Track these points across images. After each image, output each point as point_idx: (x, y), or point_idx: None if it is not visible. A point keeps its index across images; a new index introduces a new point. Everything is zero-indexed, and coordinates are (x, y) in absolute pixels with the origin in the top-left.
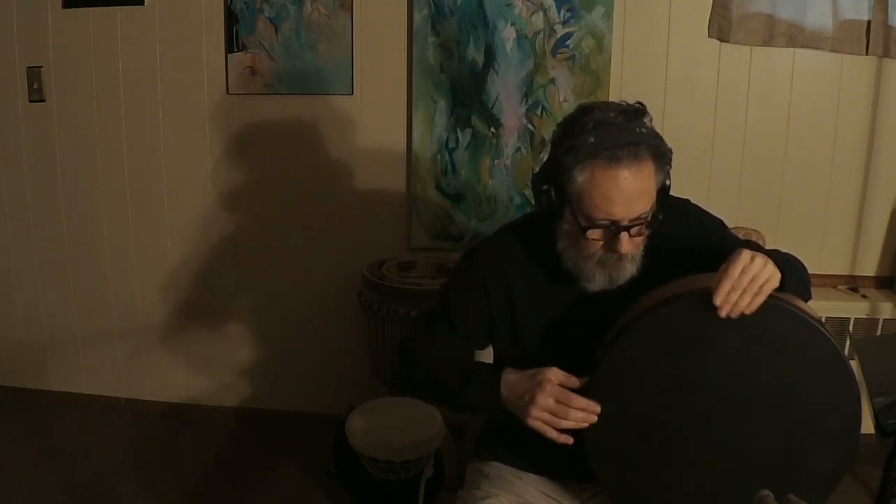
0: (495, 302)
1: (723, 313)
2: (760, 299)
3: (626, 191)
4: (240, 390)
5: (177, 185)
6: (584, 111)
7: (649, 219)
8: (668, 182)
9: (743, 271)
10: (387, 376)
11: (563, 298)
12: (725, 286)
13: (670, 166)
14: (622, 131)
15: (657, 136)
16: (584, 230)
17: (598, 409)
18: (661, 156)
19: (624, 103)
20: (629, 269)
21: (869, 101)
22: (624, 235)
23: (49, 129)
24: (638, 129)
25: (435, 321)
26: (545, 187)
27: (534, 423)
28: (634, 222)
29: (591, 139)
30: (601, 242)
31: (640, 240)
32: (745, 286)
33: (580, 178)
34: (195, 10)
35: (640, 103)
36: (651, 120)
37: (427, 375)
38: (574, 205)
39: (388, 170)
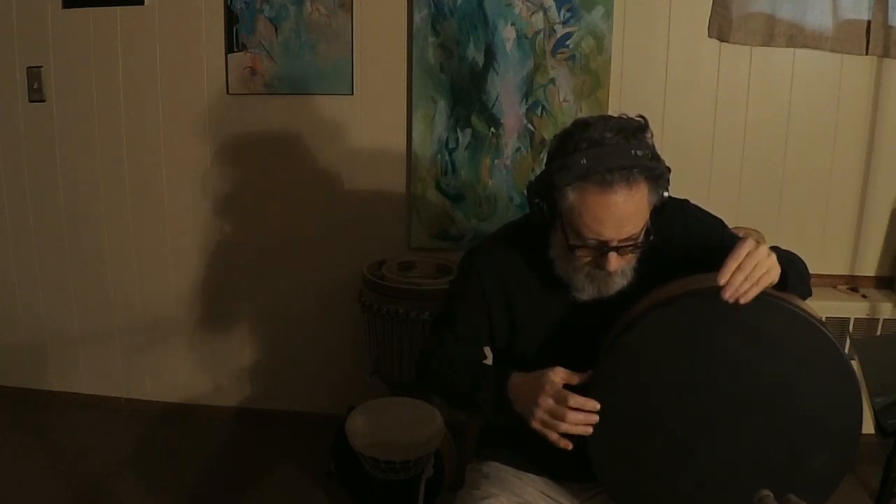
0: (494, 306)
1: (726, 294)
2: (757, 290)
3: (617, 214)
4: (240, 390)
5: (176, 185)
6: (580, 127)
7: (640, 239)
8: (664, 194)
9: (748, 255)
10: (387, 376)
11: (560, 301)
12: (731, 266)
13: (667, 187)
14: (616, 153)
15: (654, 157)
16: (573, 248)
17: (596, 406)
18: (656, 178)
19: (624, 118)
20: (618, 283)
21: (869, 101)
22: (612, 254)
23: (49, 129)
24: (633, 151)
25: (441, 329)
26: (537, 200)
27: (536, 426)
28: (623, 243)
29: (584, 160)
30: (589, 258)
31: (630, 257)
32: (749, 272)
33: (571, 197)
34: (195, 10)
35: (641, 117)
36: (652, 136)
37: (442, 383)
38: (564, 222)
39: (388, 170)
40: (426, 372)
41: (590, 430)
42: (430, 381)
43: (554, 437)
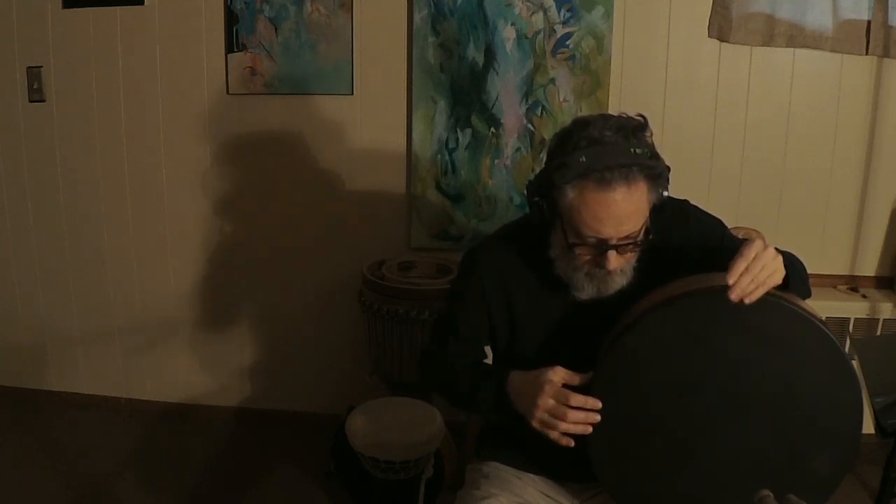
0: (494, 306)
1: (733, 295)
2: (762, 291)
3: (616, 212)
4: (240, 390)
5: (176, 184)
6: (580, 125)
7: (639, 238)
8: (664, 194)
9: (756, 256)
10: (387, 376)
11: (560, 301)
12: (740, 266)
13: (667, 185)
14: (615, 152)
15: (653, 156)
16: (572, 246)
17: (598, 404)
18: (655, 177)
19: (624, 117)
20: (618, 282)
21: (869, 101)
22: (611, 253)
23: (49, 129)
24: (632, 150)
25: (442, 328)
26: (537, 199)
27: (536, 425)
28: (623, 241)
29: (583, 158)
30: (589, 257)
31: (629, 255)
32: (756, 273)
33: (570, 195)
34: (195, 10)
35: (641, 116)
36: (651, 135)
37: (443, 382)
38: (564, 220)
39: (388, 170)
40: (428, 372)
41: (590, 429)
42: (432, 380)
43: (554, 435)
